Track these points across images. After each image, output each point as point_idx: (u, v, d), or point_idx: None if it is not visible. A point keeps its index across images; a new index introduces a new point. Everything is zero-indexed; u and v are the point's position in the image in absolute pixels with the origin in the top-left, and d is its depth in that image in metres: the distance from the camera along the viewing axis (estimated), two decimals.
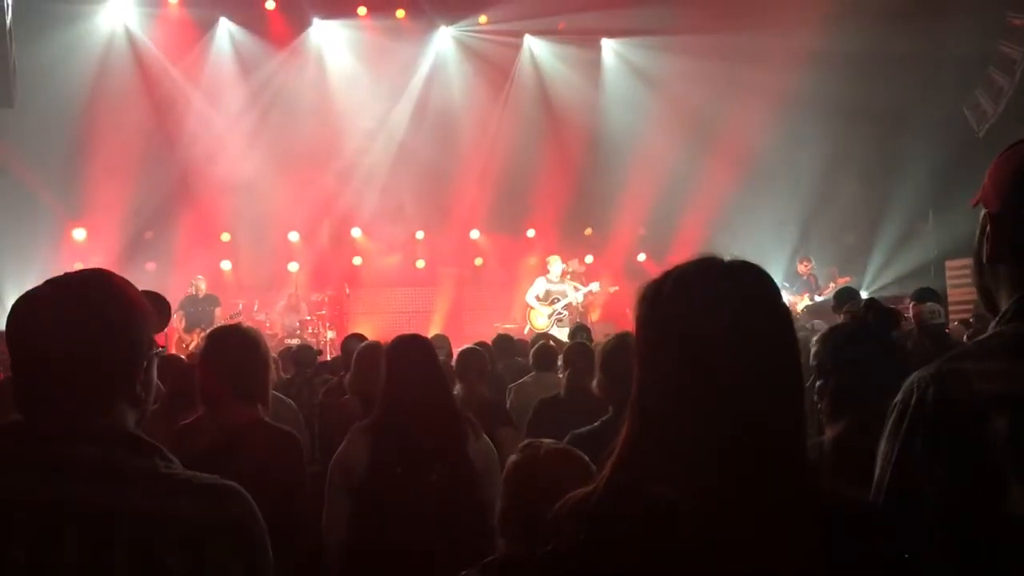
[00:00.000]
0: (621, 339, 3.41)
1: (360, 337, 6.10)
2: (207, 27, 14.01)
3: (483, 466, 3.35)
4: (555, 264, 13.01)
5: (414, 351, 3.49)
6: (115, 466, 1.39)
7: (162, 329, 1.60)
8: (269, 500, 2.84)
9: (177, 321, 12.12)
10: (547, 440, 2.18)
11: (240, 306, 12.82)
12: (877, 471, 1.39)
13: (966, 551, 1.27)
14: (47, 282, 1.48)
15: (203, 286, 12.51)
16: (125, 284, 1.53)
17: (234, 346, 3.08)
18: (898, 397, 1.39)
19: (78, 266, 12.30)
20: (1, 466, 1.39)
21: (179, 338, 11.99)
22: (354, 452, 3.34)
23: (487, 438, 3.47)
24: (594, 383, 3.43)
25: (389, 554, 3.18)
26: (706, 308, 1.28)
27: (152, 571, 1.33)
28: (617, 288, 13.09)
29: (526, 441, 2.19)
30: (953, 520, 1.28)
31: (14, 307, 1.47)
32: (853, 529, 1.23)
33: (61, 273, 1.53)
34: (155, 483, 1.40)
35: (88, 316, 1.44)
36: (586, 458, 2.10)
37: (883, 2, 12.11)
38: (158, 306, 1.61)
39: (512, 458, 2.14)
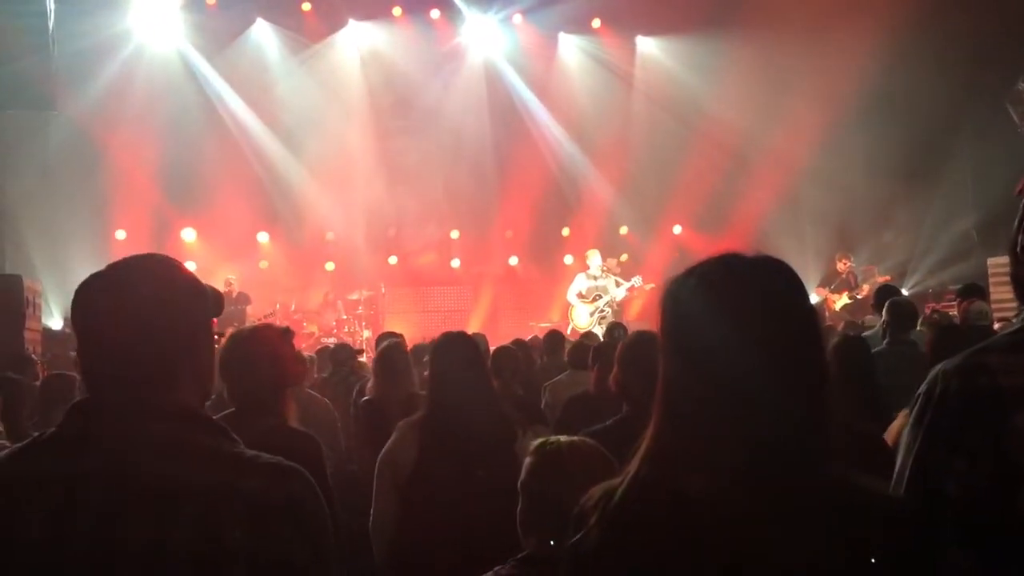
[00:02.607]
0: (639, 336, 3.37)
1: (393, 335, 6.13)
2: (243, 28, 14.17)
3: None
4: (594, 258, 12.69)
5: (460, 349, 3.50)
6: (182, 442, 1.43)
7: (218, 315, 1.65)
8: None
9: None
10: (561, 437, 2.17)
11: (277, 306, 12.92)
12: (898, 462, 1.38)
13: (984, 544, 1.26)
14: (109, 266, 1.53)
15: (236, 285, 12.63)
16: (182, 266, 1.59)
17: (243, 351, 3.07)
18: (922, 389, 1.39)
19: None
20: (71, 442, 1.42)
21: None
22: (403, 448, 3.36)
23: (532, 434, 3.47)
24: (610, 379, 3.40)
25: (437, 550, 3.19)
26: (729, 303, 1.28)
27: (217, 546, 1.35)
28: (653, 286, 12.97)
29: (539, 440, 2.18)
30: (972, 513, 1.27)
31: (80, 289, 1.51)
32: (875, 521, 1.22)
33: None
34: (220, 460, 1.43)
35: (151, 294, 1.49)
36: (602, 448, 2.09)
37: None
38: (214, 294, 1.66)
39: (527, 459, 2.14)
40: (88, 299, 1.50)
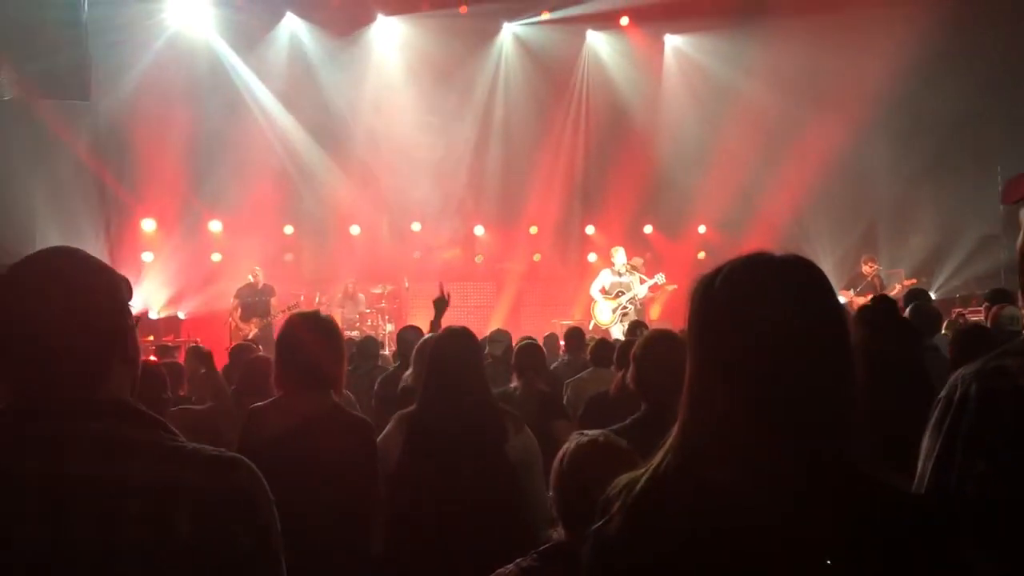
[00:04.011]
0: (656, 335, 3.36)
1: (415, 329, 6.15)
2: (274, 21, 14.25)
3: (521, 460, 3.34)
4: (619, 255, 12.59)
5: (456, 344, 3.48)
6: (120, 439, 1.41)
7: (129, 300, 1.60)
8: (343, 484, 2.91)
9: (233, 309, 12.33)
10: (595, 431, 2.20)
11: (301, 298, 12.99)
12: (920, 464, 1.40)
13: (1005, 545, 1.27)
14: (17, 264, 1.48)
15: (261, 276, 12.74)
16: (93, 257, 1.55)
17: (312, 332, 3.09)
18: (942, 392, 1.40)
19: (146, 257, 12.62)
20: (7, 445, 1.38)
21: (236, 327, 12.16)
22: (391, 439, 3.36)
23: (529, 432, 3.47)
24: (627, 377, 3.37)
25: (421, 542, 3.19)
26: (757, 301, 1.29)
27: (163, 542, 1.35)
28: (676, 287, 12.92)
29: (575, 434, 2.21)
30: (993, 514, 1.28)
31: None
32: (897, 519, 1.23)
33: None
34: (161, 455, 1.41)
35: (71, 288, 1.46)
36: (626, 445, 2.11)
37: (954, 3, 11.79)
38: (124, 280, 1.61)
39: (561, 450, 2.17)
40: (4, 299, 1.44)
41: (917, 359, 3.71)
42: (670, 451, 1.32)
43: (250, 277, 12.56)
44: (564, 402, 5.30)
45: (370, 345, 6.81)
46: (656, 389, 3.02)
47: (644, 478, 1.32)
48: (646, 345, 3.25)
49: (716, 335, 1.32)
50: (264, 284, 12.59)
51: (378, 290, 13.93)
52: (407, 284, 14.27)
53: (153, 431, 1.45)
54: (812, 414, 1.24)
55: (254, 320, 12.16)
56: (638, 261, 13.25)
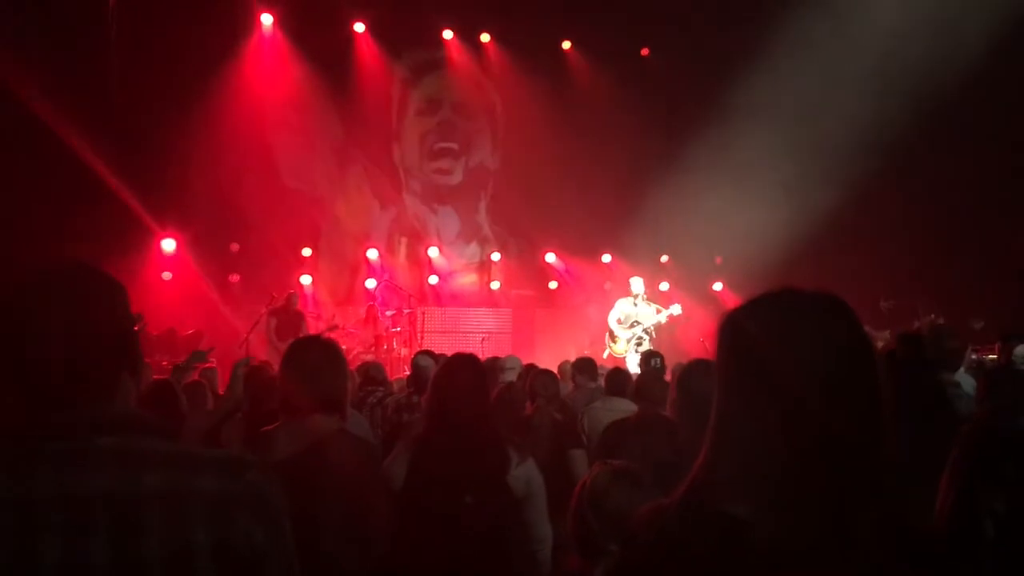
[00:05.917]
0: (699, 363, 3.33)
1: (430, 354, 6.14)
2: (298, 50, 14.40)
3: (524, 491, 3.33)
4: (637, 284, 12.62)
5: (461, 372, 3.44)
6: (134, 451, 1.41)
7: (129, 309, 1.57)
8: (349, 507, 2.90)
9: (266, 328, 12.30)
10: (616, 461, 2.19)
11: (336, 319, 12.92)
12: (939, 501, 1.39)
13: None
14: (19, 279, 1.45)
15: (295, 300, 12.72)
16: (94, 267, 1.52)
17: (316, 356, 3.09)
18: (964, 429, 1.40)
19: (166, 276, 12.64)
20: (20, 464, 1.36)
21: (273, 347, 12.11)
22: (396, 464, 3.34)
23: (532, 463, 3.43)
24: (667, 404, 3.35)
25: (423, 568, 3.17)
26: (784, 337, 1.28)
27: (184, 549, 1.36)
28: (690, 319, 12.85)
29: (598, 463, 2.20)
30: (1010, 550, 1.28)
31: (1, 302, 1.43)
32: (918, 555, 1.23)
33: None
34: (175, 462, 1.42)
35: (80, 298, 1.45)
36: (651, 479, 2.10)
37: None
38: None
39: (583, 478, 2.16)
40: (12, 315, 1.42)
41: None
42: (696, 485, 1.32)
43: (294, 299, 12.54)
44: (580, 430, 5.27)
45: (374, 371, 6.79)
46: (701, 418, 2.98)
47: (669, 512, 1.32)
48: (691, 373, 3.22)
49: (743, 372, 1.31)
50: (295, 311, 12.56)
51: (392, 313, 13.96)
52: (422, 309, 14.30)
53: (163, 439, 1.46)
54: (838, 452, 1.24)
55: (289, 341, 12.06)
56: (654, 291, 13.20)
